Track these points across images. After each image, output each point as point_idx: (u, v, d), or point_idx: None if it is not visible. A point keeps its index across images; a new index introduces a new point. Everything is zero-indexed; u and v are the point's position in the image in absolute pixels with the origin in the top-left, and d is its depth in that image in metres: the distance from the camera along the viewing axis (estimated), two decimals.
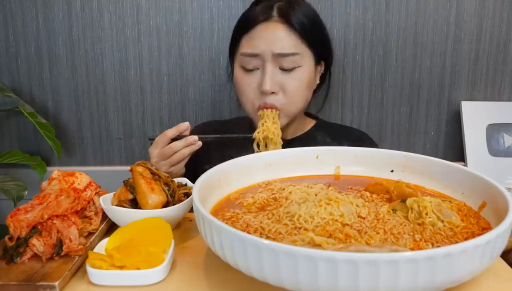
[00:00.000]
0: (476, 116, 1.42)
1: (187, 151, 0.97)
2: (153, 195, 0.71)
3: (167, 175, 0.78)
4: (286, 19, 1.02)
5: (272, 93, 1.03)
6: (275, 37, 1.01)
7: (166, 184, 0.76)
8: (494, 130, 1.42)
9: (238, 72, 1.07)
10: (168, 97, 1.41)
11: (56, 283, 0.57)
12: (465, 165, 1.40)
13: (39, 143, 1.41)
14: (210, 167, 0.72)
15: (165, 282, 0.59)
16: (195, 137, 0.97)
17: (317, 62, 1.09)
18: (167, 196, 0.73)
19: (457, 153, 1.45)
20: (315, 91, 1.15)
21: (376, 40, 1.38)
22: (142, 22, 1.35)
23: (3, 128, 1.42)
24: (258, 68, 1.04)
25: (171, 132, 0.97)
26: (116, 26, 1.35)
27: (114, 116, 1.41)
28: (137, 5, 1.34)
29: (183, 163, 0.99)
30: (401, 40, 1.38)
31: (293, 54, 1.01)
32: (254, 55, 1.02)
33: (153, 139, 1.00)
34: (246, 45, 1.04)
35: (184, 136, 0.98)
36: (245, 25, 1.05)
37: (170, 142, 0.97)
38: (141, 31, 1.36)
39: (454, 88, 1.43)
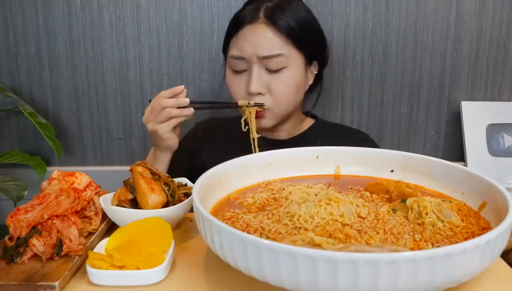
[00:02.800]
0: (476, 116, 1.42)
1: (176, 112, 0.95)
2: (153, 195, 0.71)
3: (167, 175, 0.78)
4: (272, 20, 1.01)
5: (259, 94, 1.03)
6: (260, 40, 1.01)
7: (166, 184, 0.76)
8: (494, 130, 1.42)
9: (228, 74, 1.08)
10: None
11: (56, 283, 0.57)
12: (465, 165, 1.40)
13: (39, 143, 1.41)
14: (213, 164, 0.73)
15: (165, 282, 0.59)
16: (187, 100, 0.95)
17: (309, 63, 1.09)
18: (167, 196, 0.73)
19: (457, 153, 1.45)
20: (309, 91, 1.15)
21: (376, 40, 1.38)
22: (142, 22, 1.35)
23: (3, 128, 1.42)
24: (246, 70, 1.04)
25: (165, 93, 0.96)
26: (116, 26, 1.35)
27: (114, 116, 1.41)
28: (137, 5, 1.34)
29: (170, 124, 0.96)
30: (401, 40, 1.38)
31: (277, 56, 1.01)
32: (241, 58, 1.03)
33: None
34: (234, 48, 1.05)
35: None
36: (233, 27, 1.06)
37: None
38: (141, 31, 1.36)
39: (454, 88, 1.43)
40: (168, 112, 0.95)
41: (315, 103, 1.21)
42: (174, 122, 0.96)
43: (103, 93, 1.40)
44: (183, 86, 0.97)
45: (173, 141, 1.00)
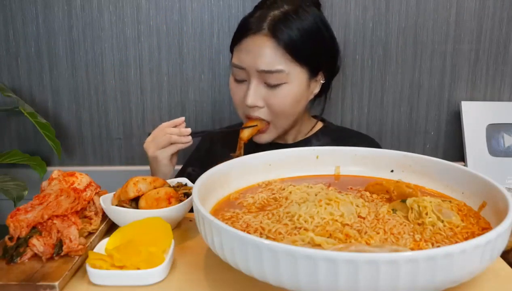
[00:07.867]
0: (476, 116, 1.42)
1: (176, 138, 1.00)
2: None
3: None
4: (274, 34, 0.99)
5: (256, 106, 1.03)
6: (260, 53, 0.99)
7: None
8: (494, 130, 1.42)
9: (231, 80, 1.08)
10: (168, 97, 1.41)
11: (56, 283, 0.57)
12: (465, 165, 1.40)
13: (39, 143, 1.41)
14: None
15: (165, 282, 0.60)
16: (188, 129, 1.01)
17: (313, 75, 1.06)
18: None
19: (457, 153, 1.45)
20: (317, 96, 1.13)
21: (376, 40, 1.38)
22: (142, 22, 1.35)
23: (3, 128, 1.42)
24: (246, 80, 1.04)
25: (167, 123, 1.02)
26: (116, 26, 1.35)
27: (114, 116, 1.41)
28: (137, 5, 1.34)
29: (169, 150, 1.01)
30: (401, 40, 1.38)
31: (277, 72, 0.99)
32: (241, 68, 1.02)
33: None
34: (235, 57, 1.05)
35: None
36: (237, 35, 1.05)
37: None
38: (141, 31, 1.36)
39: (454, 88, 1.43)
40: (169, 137, 1.00)
41: (321, 110, 1.19)
42: (173, 148, 1.01)
43: (103, 93, 1.40)
44: (183, 117, 1.03)
45: (168, 169, 1.04)
